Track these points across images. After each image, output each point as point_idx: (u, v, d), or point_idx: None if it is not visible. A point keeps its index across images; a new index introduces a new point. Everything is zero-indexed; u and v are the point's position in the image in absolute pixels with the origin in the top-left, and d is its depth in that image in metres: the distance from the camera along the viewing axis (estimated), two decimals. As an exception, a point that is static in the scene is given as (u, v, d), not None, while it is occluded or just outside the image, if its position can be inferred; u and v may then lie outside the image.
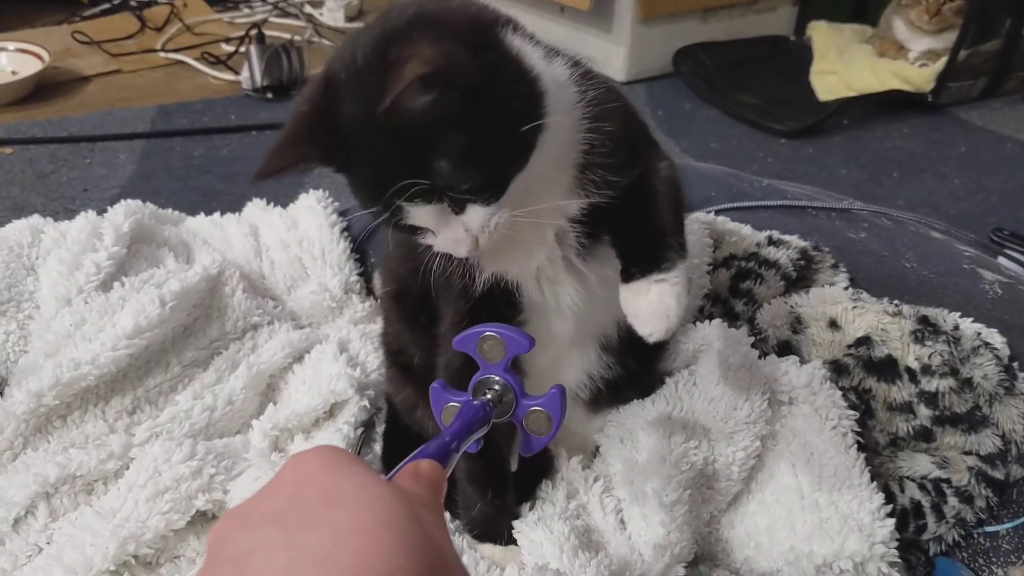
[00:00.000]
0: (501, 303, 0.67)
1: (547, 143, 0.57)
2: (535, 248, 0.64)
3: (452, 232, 0.57)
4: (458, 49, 0.52)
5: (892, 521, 0.71)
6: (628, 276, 0.62)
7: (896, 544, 0.70)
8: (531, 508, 0.76)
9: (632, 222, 0.64)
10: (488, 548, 0.74)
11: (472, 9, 0.59)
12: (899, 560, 0.70)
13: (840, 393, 0.79)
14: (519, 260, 0.65)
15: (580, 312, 0.68)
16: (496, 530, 0.74)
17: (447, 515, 0.70)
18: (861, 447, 0.76)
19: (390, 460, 0.83)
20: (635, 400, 0.79)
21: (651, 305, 0.61)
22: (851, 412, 0.77)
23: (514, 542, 0.73)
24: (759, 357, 0.82)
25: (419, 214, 0.56)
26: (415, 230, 0.58)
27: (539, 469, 0.78)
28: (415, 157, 0.53)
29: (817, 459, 0.74)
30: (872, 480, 0.73)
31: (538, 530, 0.71)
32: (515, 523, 0.74)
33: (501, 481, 0.74)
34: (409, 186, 0.53)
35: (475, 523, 0.75)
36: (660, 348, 0.81)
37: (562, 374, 0.73)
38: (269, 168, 0.56)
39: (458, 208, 0.56)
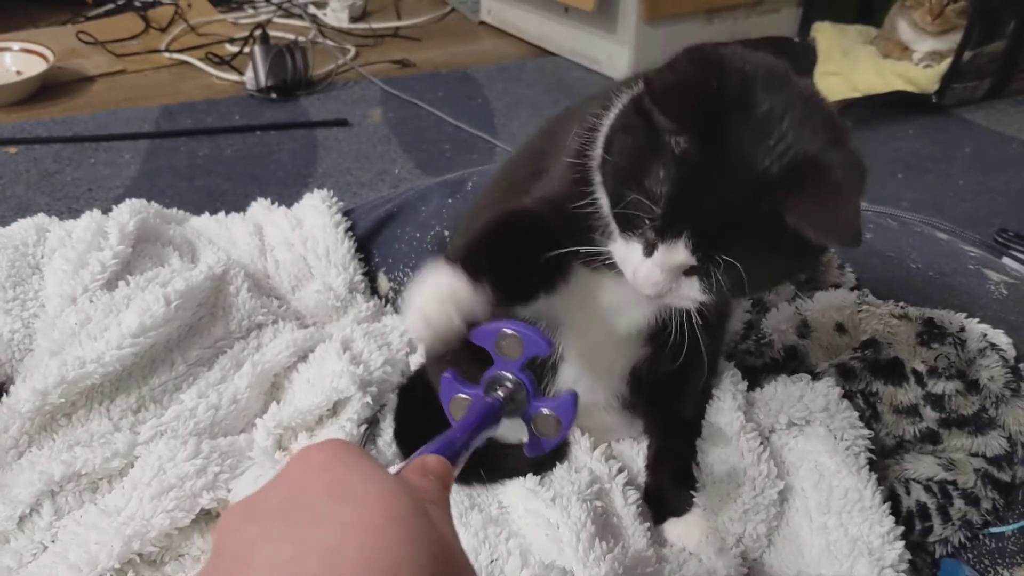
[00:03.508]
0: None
1: None
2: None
3: (664, 278, 0.56)
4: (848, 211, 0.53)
5: (901, 544, 0.70)
6: (661, 516, 0.76)
7: (905, 567, 0.70)
8: (541, 482, 0.75)
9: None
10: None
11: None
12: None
13: (856, 414, 0.78)
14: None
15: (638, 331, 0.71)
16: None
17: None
18: (872, 464, 0.75)
19: (403, 427, 0.85)
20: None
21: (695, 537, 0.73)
22: (866, 432, 0.77)
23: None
24: (769, 371, 0.82)
25: (678, 254, 0.54)
26: (636, 237, 0.57)
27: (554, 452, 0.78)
28: (737, 233, 0.53)
29: (827, 481, 0.73)
30: (881, 493, 0.72)
31: (555, 510, 0.71)
32: (530, 501, 0.73)
33: None
34: (707, 240, 0.53)
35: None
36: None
37: (596, 365, 0.74)
38: (665, 98, 0.52)
39: (690, 272, 0.56)
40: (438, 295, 0.58)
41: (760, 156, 0.52)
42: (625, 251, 0.58)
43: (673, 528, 0.76)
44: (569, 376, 0.73)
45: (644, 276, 0.57)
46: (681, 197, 0.53)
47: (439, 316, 0.57)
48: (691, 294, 0.57)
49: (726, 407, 0.76)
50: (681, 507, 0.76)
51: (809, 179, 0.52)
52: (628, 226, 0.57)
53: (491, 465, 0.77)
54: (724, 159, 0.52)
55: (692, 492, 0.76)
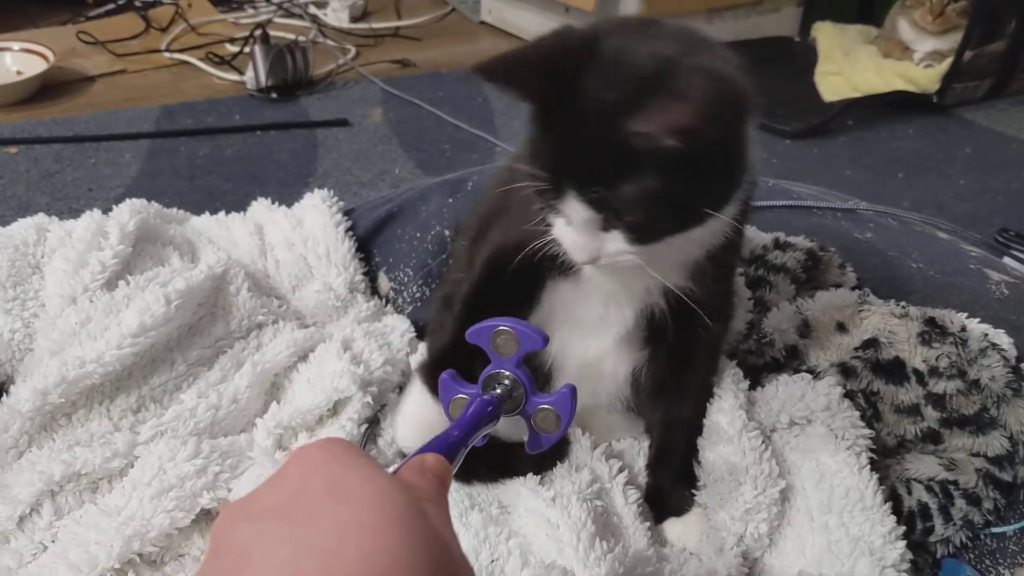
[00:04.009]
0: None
1: (703, 229, 0.59)
2: (627, 292, 0.68)
3: (585, 239, 0.58)
4: (724, 119, 0.54)
5: (903, 544, 0.70)
6: (661, 515, 0.76)
7: (907, 567, 0.69)
8: (541, 482, 0.75)
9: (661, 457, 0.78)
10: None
11: (748, 83, 0.58)
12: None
13: (858, 413, 0.77)
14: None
15: (628, 334, 0.72)
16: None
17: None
18: (873, 464, 0.75)
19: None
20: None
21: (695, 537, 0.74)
22: (867, 431, 0.76)
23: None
24: (770, 371, 0.82)
25: (577, 210, 0.57)
26: (554, 209, 0.59)
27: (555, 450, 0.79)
28: (612, 170, 0.54)
29: (828, 480, 0.73)
30: (883, 493, 0.72)
31: (555, 509, 0.71)
32: (530, 500, 0.74)
33: None
34: (591, 185, 0.55)
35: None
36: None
37: (597, 378, 0.75)
38: (494, 71, 0.56)
39: (607, 226, 0.57)
40: (412, 422, 0.76)
41: (610, 93, 0.54)
42: (557, 231, 0.61)
43: (672, 528, 0.76)
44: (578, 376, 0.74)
45: (570, 243, 0.60)
46: (556, 157, 0.56)
47: (417, 437, 0.73)
48: (617, 247, 0.58)
49: (727, 406, 0.76)
50: (681, 507, 0.76)
51: (648, 92, 0.52)
52: (543, 201, 0.59)
53: (491, 464, 0.77)
54: (581, 109, 0.54)
55: (692, 492, 0.76)
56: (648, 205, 0.55)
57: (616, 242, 0.58)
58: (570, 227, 0.59)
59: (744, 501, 0.72)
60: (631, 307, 0.69)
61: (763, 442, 0.75)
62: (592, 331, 0.72)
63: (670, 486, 0.77)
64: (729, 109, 0.55)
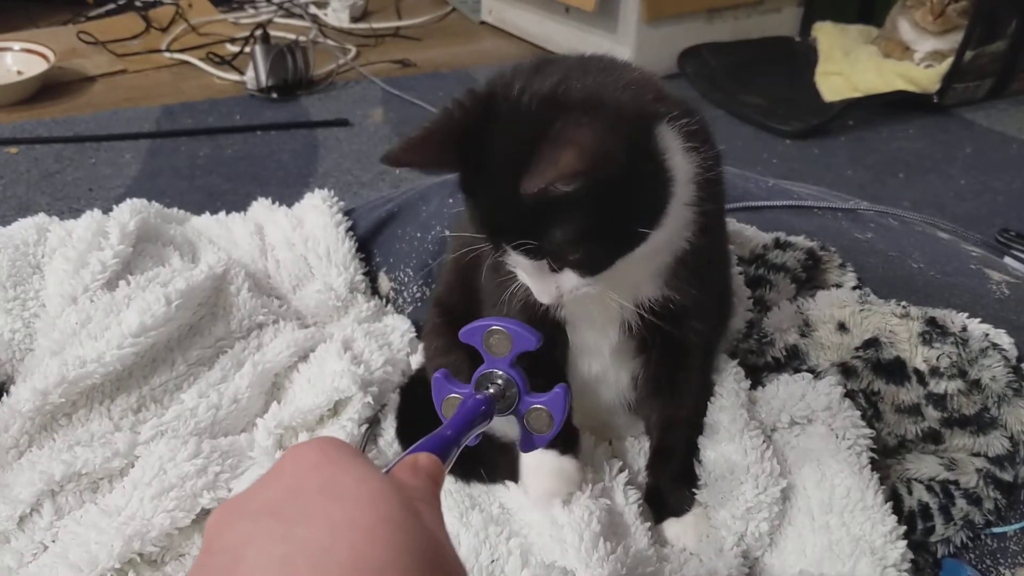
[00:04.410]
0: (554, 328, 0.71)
1: (653, 239, 0.59)
2: (602, 311, 0.68)
3: (544, 284, 0.60)
4: (617, 147, 0.53)
5: (904, 544, 0.70)
6: (661, 515, 0.76)
7: (907, 567, 0.69)
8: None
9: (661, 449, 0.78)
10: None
11: (644, 95, 0.58)
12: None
13: (859, 413, 0.77)
14: (582, 314, 0.70)
15: (618, 347, 0.73)
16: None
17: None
18: (874, 463, 0.75)
19: (404, 419, 0.86)
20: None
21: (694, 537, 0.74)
22: (868, 431, 0.76)
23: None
24: (770, 370, 0.82)
25: (520, 262, 0.59)
26: (508, 263, 0.61)
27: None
28: (535, 221, 0.55)
29: (829, 480, 0.73)
30: (883, 493, 0.72)
31: (558, 509, 0.71)
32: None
33: (569, 437, 0.75)
34: (522, 240, 0.56)
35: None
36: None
37: (603, 388, 0.77)
38: (403, 158, 0.59)
39: (557, 268, 0.59)
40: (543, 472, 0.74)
41: (509, 150, 0.55)
42: (520, 278, 0.63)
43: (672, 528, 0.76)
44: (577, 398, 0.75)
45: (532, 288, 0.61)
46: (485, 219, 0.59)
47: (553, 487, 0.73)
48: (573, 283, 0.59)
49: (729, 404, 0.76)
50: (680, 507, 0.76)
51: (533, 146, 0.52)
52: (497, 257, 0.61)
53: (491, 466, 0.77)
54: (491, 171, 0.56)
55: (693, 491, 0.76)
56: (582, 242, 0.56)
57: (570, 279, 0.59)
58: (528, 277, 0.61)
59: (745, 500, 0.72)
60: (612, 326, 0.71)
61: (764, 441, 0.75)
62: (590, 351, 0.74)
63: (669, 486, 0.77)
64: (621, 136, 0.54)
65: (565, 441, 0.74)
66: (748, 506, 0.72)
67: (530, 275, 0.60)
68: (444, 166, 0.60)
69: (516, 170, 0.53)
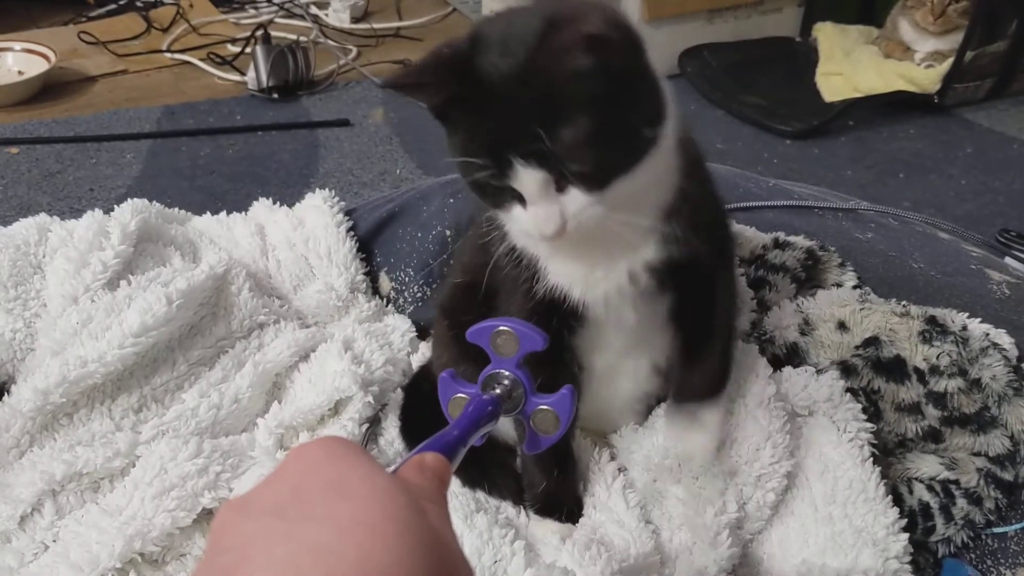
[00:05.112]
0: (566, 313, 0.69)
1: (653, 160, 0.59)
2: (607, 274, 0.67)
3: (547, 208, 0.58)
4: (620, 34, 0.55)
5: (906, 536, 0.70)
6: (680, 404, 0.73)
7: (909, 559, 0.70)
8: None
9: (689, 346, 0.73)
10: (549, 523, 0.76)
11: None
12: (911, 576, 0.70)
13: (860, 406, 0.78)
14: (588, 281, 0.67)
15: (635, 332, 0.72)
16: (558, 506, 0.76)
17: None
18: (875, 460, 0.75)
19: (408, 417, 0.87)
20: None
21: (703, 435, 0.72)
22: (869, 424, 0.77)
23: (573, 519, 0.75)
24: (774, 369, 0.81)
25: (526, 177, 0.57)
26: (506, 199, 0.59)
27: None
28: (547, 117, 0.55)
29: (831, 472, 0.73)
30: (886, 491, 0.72)
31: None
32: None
33: (566, 461, 0.76)
34: (530, 143, 0.55)
35: (538, 499, 0.76)
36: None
37: (618, 383, 0.76)
38: (402, 80, 0.60)
39: (562, 186, 0.57)
40: None
41: (511, 55, 0.55)
42: (513, 217, 0.61)
43: (693, 438, 0.73)
44: (598, 383, 0.76)
45: (533, 222, 0.59)
46: (488, 135, 0.57)
47: None
48: (579, 202, 0.58)
49: (757, 378, 0.77)
50: (717, 390, 0.73)
51: (549, 30, 0.54)
52: (493, 195, 0.60)
53: (499, 488, 0.79)
54: (493, 81, 0.56)
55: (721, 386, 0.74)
56: (590, 144, 0.55)
57: (576, 199, 0.58)
58: (530, 206, 0.59)
59: (760, 466, 0.73)
60: (626, 306, 0.69)
61: (784, 416, 0.75)
62: (604, 343, 0.73)
63: (704, 381, 0.74)
64: (627, 25, 0.57)
65: (562, 464, 0.75)
66: (761, 472, 0.73)
67: (533, 202, 0.58)
68: (440, 92, 0.59)
69: (526, 63, 0.54)
